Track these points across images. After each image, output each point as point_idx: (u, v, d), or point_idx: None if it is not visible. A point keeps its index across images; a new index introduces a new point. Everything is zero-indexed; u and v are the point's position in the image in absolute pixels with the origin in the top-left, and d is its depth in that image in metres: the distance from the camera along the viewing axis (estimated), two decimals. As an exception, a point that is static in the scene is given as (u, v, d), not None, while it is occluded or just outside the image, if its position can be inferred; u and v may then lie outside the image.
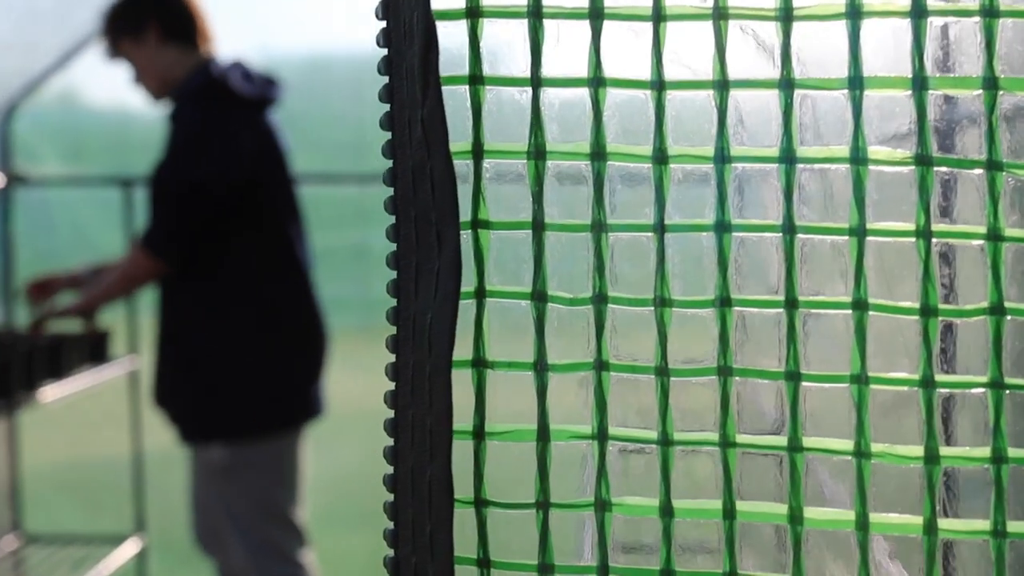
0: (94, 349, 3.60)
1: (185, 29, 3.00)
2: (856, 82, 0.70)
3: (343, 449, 4.06)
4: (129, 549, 3.72)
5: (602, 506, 0.73)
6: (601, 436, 0.73)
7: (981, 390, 0.69)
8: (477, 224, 0.73)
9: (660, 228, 0.72)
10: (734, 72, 0.73)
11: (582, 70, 0.73)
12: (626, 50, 0.74)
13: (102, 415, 4.00)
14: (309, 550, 3.13)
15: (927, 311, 0.69)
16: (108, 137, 4.03)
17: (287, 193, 3.04)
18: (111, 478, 4.03)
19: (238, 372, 2.97)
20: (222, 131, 2.91)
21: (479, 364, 0.74)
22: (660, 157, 0.72)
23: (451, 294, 0.69)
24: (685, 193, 0.74)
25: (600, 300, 0.73)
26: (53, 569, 3.59)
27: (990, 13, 0.69)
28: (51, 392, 3.32)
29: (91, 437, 4.08)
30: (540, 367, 0.73)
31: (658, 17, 0.72)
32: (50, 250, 3.97)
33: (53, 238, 3.95)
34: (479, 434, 0.74)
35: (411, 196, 0.71)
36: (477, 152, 0.73)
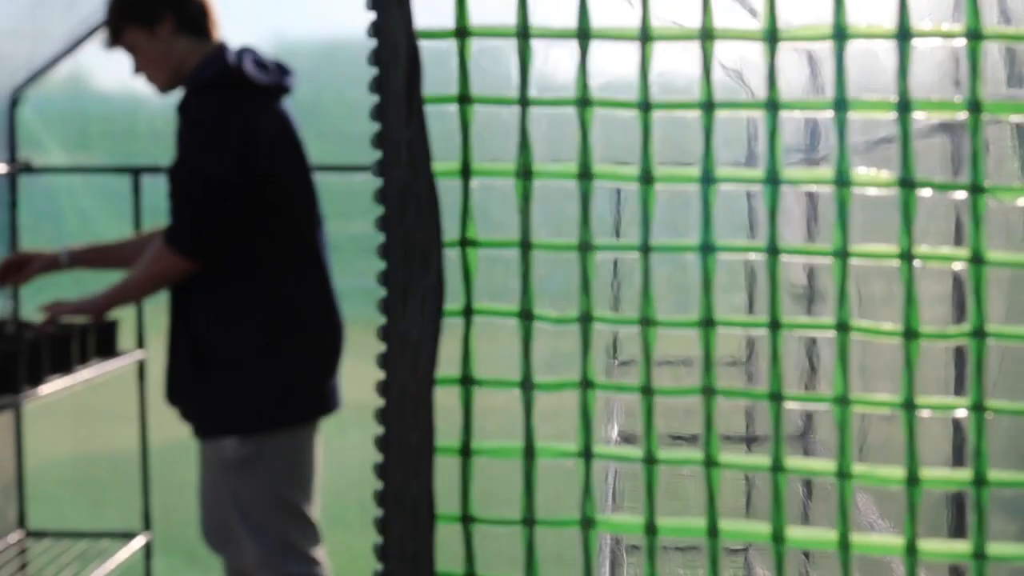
0: (101, 342, 3.65)
1: (198, 19, 3.04)
2: (841, 104, 0.73)
3: (353, 439, 4.10)
4: (135, 545, 3.77)
5: (587, 523, 0.76)
6: (586, 454, 0.76)
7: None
8: (465, 243, 0.76)
9: (645, 249, 0.75)
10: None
11: (569, 86, 0.76)
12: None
13: (109, 409, 4.05)
14: (322, 546, 3.17)
15: (910, 334, 0.72)
16: (115, 124, 4.07)
17: (304, 183, 3.07)
18: (117, 473, 4.08)
19: (253, 366, 3.00)
20: (240, 120, 2.94)
21: (466, 382, 0.77)
22: (646, 177, 0.75)
23: (435, 314, 0.72)
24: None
25: (586, 319, 0.76)
26: (58, 564, 3.64)
27: (974, 36, 0.71)
28: (57, 385, 3.37)
29: (97, 431, 4.13)
30: (526, 386, 0.76)
31: (645, 38, 0.75)
32: (55, 238, 4.02)
33: (58, 226, 4.00)
34: (466, 451, 0.77)
35: (398, 216, 0.74)
36: (465, 171, 0.76)
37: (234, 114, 2.96)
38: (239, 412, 3.02)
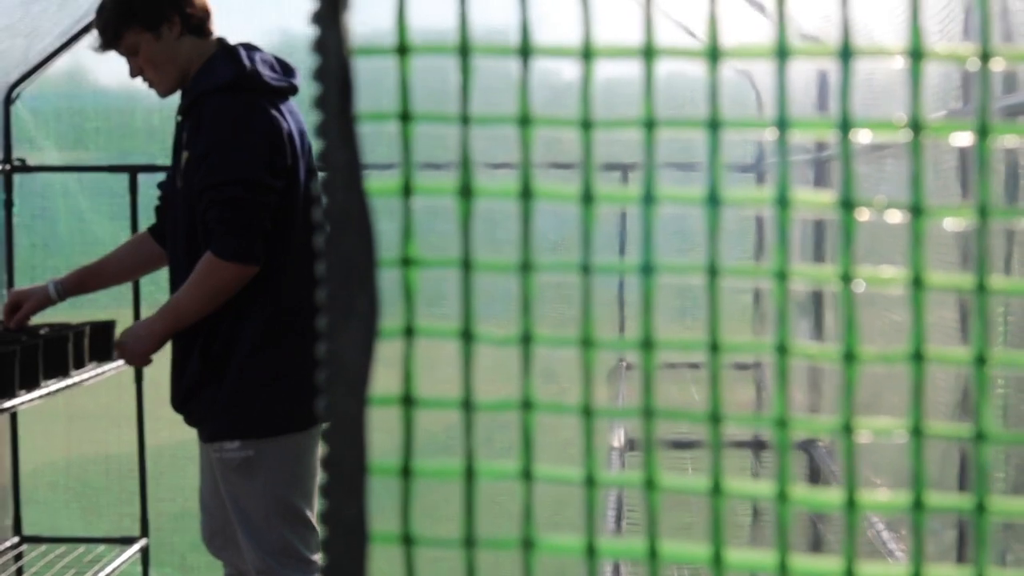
0: (98, 343, 3.68)
1: (202, 19, 3.05)
2: (782, 123, 0.74)
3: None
4: (130, 549, 3.80)
5: (528, 544, 0.78)
6: (526, 475, 0.77)
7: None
8: (405, 262, 0.78)
9: (585, 269, 0.76)
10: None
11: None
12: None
13: (102, 412, 4.09)
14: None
15: (849, 357, 0.73)
16: (112, 121, 4.10)
17: (310, 185, 3.09)
18: (111, 477, 4.12)
19: (259, 370, 3.03)
20: (262, 120, 2.96)
21: (407, 401, 0.78)
22: (586, 196, 0.76)
23: (370, 338, 0.73)
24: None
25: (526, 340, 0.77)
26: (54, 571, 3.68)
27: (915, 55, 0.72)
28: (52, 387, 3.39)
29: (91, 434, 4.17)
30: (466, 405, 0.78)
31: (587, 54, 0.76)
32: (50, 238, 4.05)
33: (53, 225, 4.03)
34: (406, 471, 0.78)
35: (338, 237, 0.76)
36: (406, 189, 0.78)
37: (255, 115, 2.98)
38: (241, 415, 3.05)
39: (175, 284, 3.09)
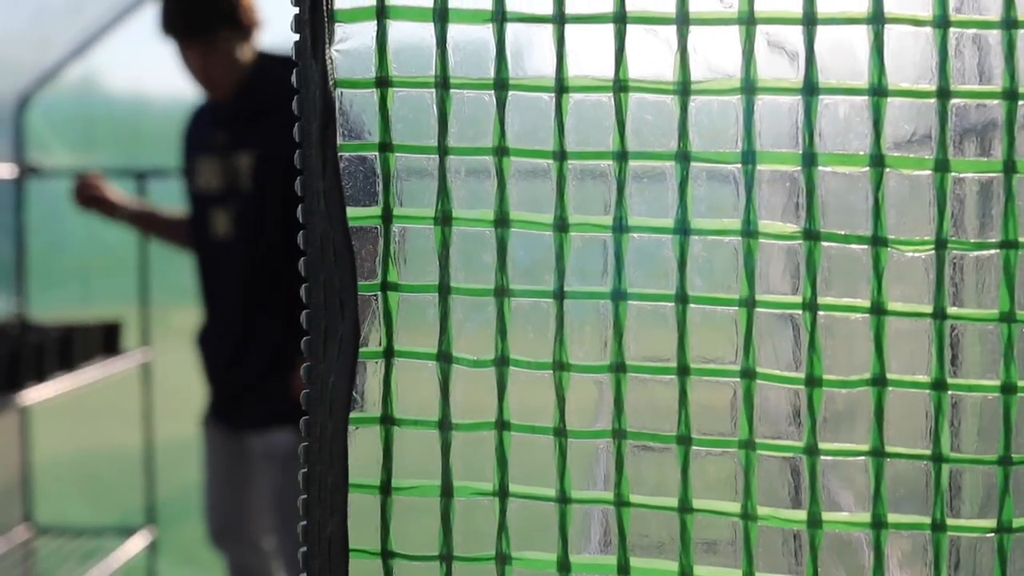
0: (106, 341, 3.68)
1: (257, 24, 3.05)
2: (749, 156, 0.74)
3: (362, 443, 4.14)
4: (139, 542, 3.80)
5: (503, 559, 0.77)
6: (502, 493, 0.77)
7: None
8: (386, 286, 0.78)
9: (560, 295, 0.76)
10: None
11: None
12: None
13: (111, 406, 4.09)
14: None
15: (812, 381, 0.73)
16: (122, 127, 4.10)
17: None
18: (121, 471, 4.11)
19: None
20: None
21: (386, 421, 0.78)
22: (561, 225, 0.76)
23: (349, 361, 0.73)
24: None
25: (502, 362, 0.77)
26: (63, 561, 3.68)
27: (878, 92, 0.72)
28: (62, 384, 3.40)
29: (102, 430, 4.16)
30: (444, 426, 0.77)
31: (561, 89, 0.76)
32: (60, 241, 4.05)
33: (63, 229, 4.03)
34: (386, 489, 0.78)
35: (319, 262, 0.76)
36: (386, 217, 0.77)
37: None
38: (295, 406, 3.02)
39: (220, 291, 3.01)
